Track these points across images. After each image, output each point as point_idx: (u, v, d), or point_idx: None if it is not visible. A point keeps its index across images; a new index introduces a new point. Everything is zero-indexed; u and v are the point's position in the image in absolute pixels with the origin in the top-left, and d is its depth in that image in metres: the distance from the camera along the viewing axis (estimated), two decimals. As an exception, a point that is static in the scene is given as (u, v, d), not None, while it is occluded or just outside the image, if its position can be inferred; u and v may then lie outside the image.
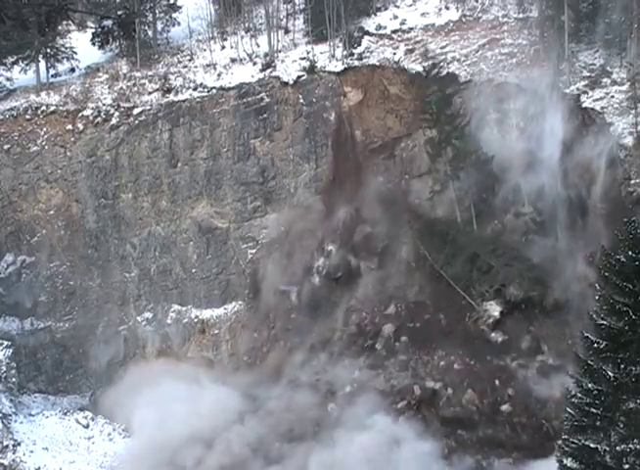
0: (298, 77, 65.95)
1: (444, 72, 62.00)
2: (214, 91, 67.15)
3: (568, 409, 34.52)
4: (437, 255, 59.57)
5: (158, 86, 68.39)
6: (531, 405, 53.98)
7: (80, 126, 67.60)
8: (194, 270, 67.09)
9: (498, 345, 56.44)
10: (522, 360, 55.52)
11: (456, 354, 56.83)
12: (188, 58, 71.51)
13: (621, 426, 33.15)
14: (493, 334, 56.59)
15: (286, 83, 66.01)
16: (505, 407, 54.41)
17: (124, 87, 68.90)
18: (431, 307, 59.34)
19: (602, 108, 57.29)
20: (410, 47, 65.51)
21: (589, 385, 33.57)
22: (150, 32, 74.73)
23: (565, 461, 34.29)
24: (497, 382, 55.32)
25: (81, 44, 71.41)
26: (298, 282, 63.67)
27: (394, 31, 67.33)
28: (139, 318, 67.68)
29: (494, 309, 56.90)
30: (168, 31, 75.00)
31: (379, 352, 59.09)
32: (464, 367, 56.22)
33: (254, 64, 68.25)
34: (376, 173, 64.09)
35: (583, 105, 57.93)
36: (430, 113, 60.65)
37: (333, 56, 66.52)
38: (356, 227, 63.35)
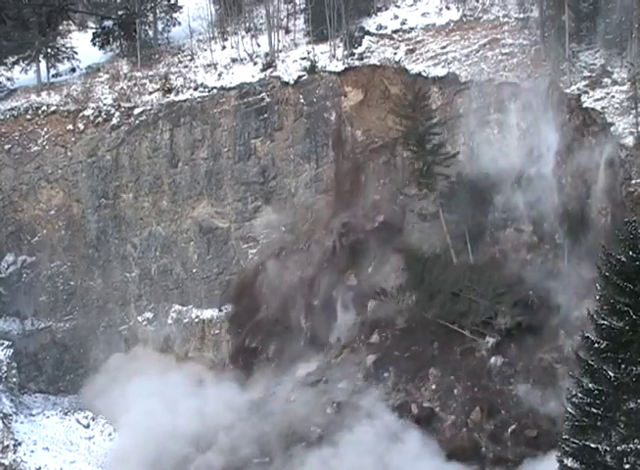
0: (299, 77, 65.95)
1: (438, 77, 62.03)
2: (215, 91, 67.15)
3: (568, 409, 34.51)
4: (421, 294, 59.21)
5: (158, 86, 68.40)
6: (540, 421, 52.96)
7: (81, 126, 67.61)
8: (194, 270, 67.10)
9: (497, 368, 55.63)
10: (524, 384, 54.57)
11: (455, 376, 56.11)
12: (189, 58, 71.53)
13: (622, 426, 33.12)
14: (493, 359, 55.80)
15: (286, 83, 66.01)
16: (512, 427, 53.58)
17: (125, 87, 68.91)
18: (420, 334, 58.66)
19: (602, 108, 57.19)
20: (411, 47, 65.53)
21: (590, 385, 33.54)
22: (150, 32, 74.78)
23: (565, 461, 34.26)
24: (500, 402, 54.51)
25: (82, 44, 71.44)
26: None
27: (395, 31, 67.36)
28: (140, 318, 67.71)
29: (487, 340, 56.23)
30: (169, 31, 75.07)
31: (364, 377, 58.59)
32: (463, 389, 55.42)
33: (255, 64, 68.26)
34: (376, 179, 63.72)
35: (584, 105, 57.84)
36: (414, 145, 60.25)
37: (333, 56, 66.53)
38: (346, 271, 62.96)
